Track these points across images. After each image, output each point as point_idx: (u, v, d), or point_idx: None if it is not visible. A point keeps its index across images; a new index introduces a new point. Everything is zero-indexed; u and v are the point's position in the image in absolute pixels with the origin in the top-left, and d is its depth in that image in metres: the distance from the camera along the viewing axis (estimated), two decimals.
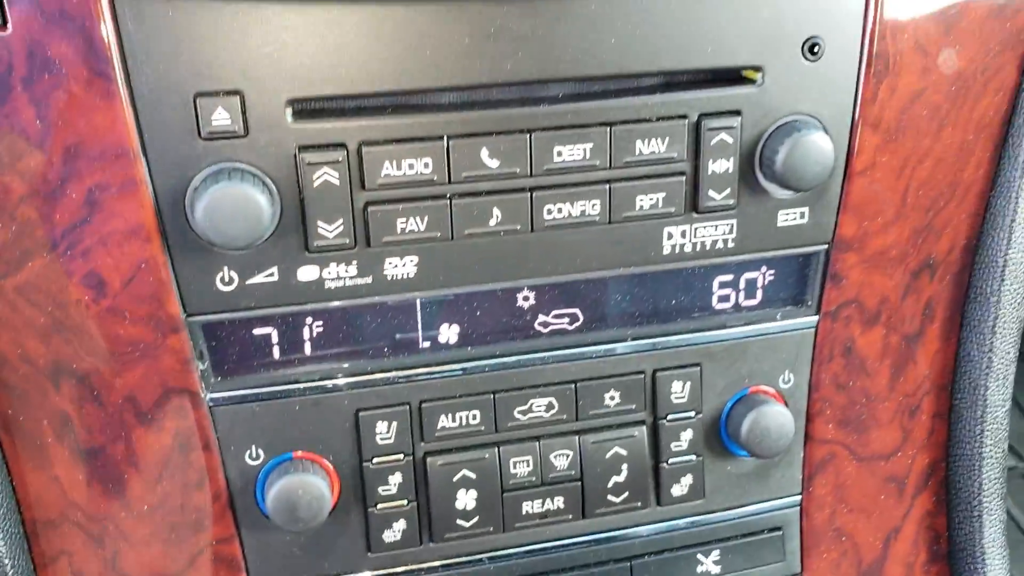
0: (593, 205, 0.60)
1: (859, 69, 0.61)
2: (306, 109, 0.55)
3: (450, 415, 0.63)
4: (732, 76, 0.61)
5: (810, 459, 0.71)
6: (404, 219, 0.57)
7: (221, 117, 0.53)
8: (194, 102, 0.53)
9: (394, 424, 0.62)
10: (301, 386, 0.60)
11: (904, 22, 0.61)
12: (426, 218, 0.58)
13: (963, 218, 0.68)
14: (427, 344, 0.62)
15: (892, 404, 0.71)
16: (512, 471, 0.64)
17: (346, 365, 0.61)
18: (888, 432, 0.72)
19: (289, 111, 0.54)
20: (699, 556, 0.70)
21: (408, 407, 0.62)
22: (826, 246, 0.65)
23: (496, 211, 0.59)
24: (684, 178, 0.61)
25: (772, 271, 0.66)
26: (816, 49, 0.60)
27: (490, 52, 0.56)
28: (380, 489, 0.63)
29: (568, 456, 0.65)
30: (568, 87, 0.59)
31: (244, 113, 0.53)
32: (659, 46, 0.58)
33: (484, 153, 0.57)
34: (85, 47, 0.51)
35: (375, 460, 0.62)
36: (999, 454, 0.71)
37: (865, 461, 0.72)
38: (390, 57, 0.54)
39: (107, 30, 0.51)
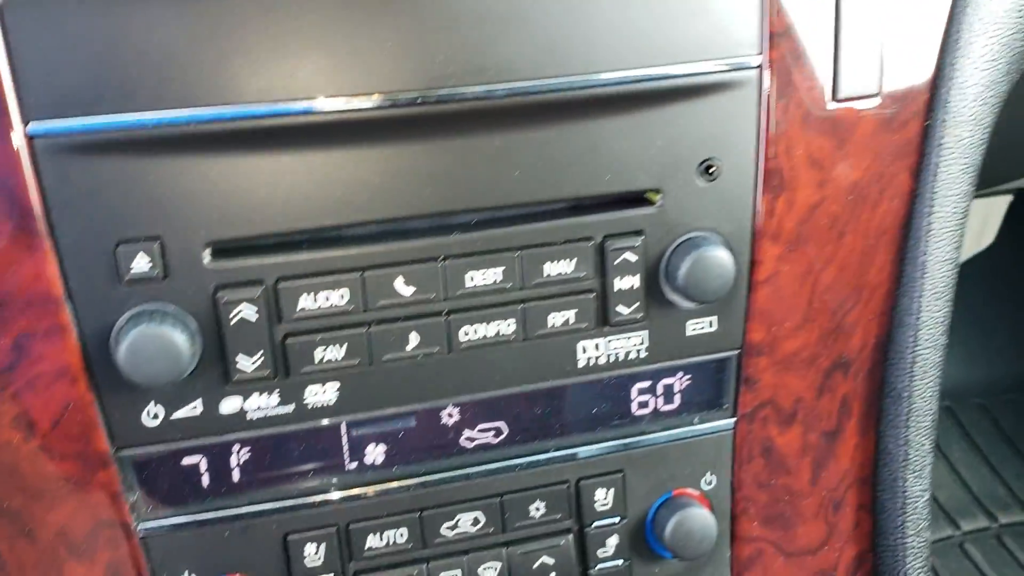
0: (508, 325, 0.63)
1: (755, 186, 0.65)
2: (223, 248, 0.59)
3: (378, 535, 0.65)
4: (633, 198, 0.64)
5: (738, 557, 0.73)
6: (323, 349, 0.60)
7: (142, 262, 0.56)
8: (115, 250, 0.56)
9: (323, 546, 0.64)
10: (230, 512, 0.63)
11: (796, 140, 0.65)
12: (344, 347, 0.61)
13: (871, 318, 0.72)
14: (353, 466, 0.64)
15: (815, 499, 0.74)
16: None
17: (274, 490, 0.64)
18: (814, 527, 0.75)
19: (207, 252, 0.58)
20: None
21: (336, 528, 0.65)
22: (737, 351, 0.69)
23: (413, 336, 0.62)
24: (593, 295, 0.64)
25: (688, 376, 0.69)
26: (712, 170, 0.64)
27: (400, 188, 0.59)
28: None
29: (496, 568, 0.67)
30: (478, 215, 0.62)
31: (164, 257, 0.57)
32: (563, 175, 0.62)
33: (399, 282, 0.61)
34: (9, 205, 0.54)
35: None
36: (921, 543, 0.74)
37: (793, 556, 0.75)
38: (303, 197, 0.58)
39: (31, 187, 0.54)
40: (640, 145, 0.62)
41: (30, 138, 0.54)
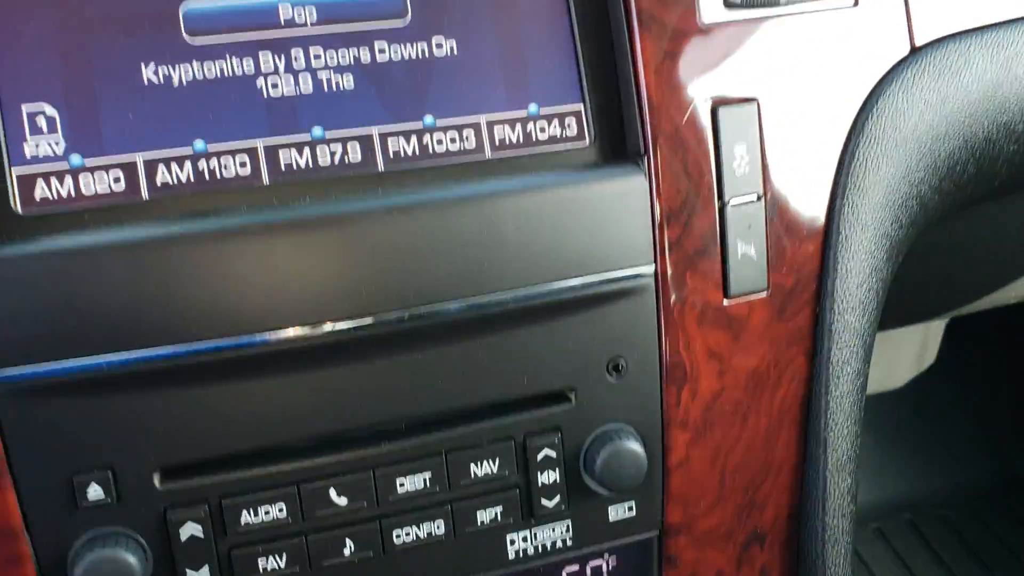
0: (437, 525, 0.69)
1: (660, 380, 0.72)
2: (171, 470, 0.65)
3: None
4: (550, 397, 0.71)
5: None
6: (265, 559, 0.66)
7: (95, 492, 0.62)
8: (71, 481, 0.62)
9: None
10: None
11: (694, 336, 0.73)
12: (285, 555, 0.66)
13: (782, 492, 0.79)
14: None
15: None
16: None
17: None
18: None
19: (156, 476, 0.64)
20: None
21: None
22: (657, 532, 0.75)
23: (349, 542, 0.68)
24: (518, 491, 0.71)
25: (614, 557, 0.75)
26: (620, 367, 0.72)
27: (334, 406, 0.66)
28: None
29: None
30: (406, 425, 0.69)
31: (116, 484, 0.63)
32: (484, 382, 0.69)
33: (333, 493, 0.67)
34: None
35: None
36: None
37: None
38: (244, 420, 0.65)
39: None
40: (554, 349, 0.70)
41: None
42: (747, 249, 0.73)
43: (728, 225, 0.73)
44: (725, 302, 0.73)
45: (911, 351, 1.71)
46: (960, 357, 1.73)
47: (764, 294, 0.75)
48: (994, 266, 1.28)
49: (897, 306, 1.12)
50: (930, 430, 1.74)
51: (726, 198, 0.72)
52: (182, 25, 0.65)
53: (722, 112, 0.72)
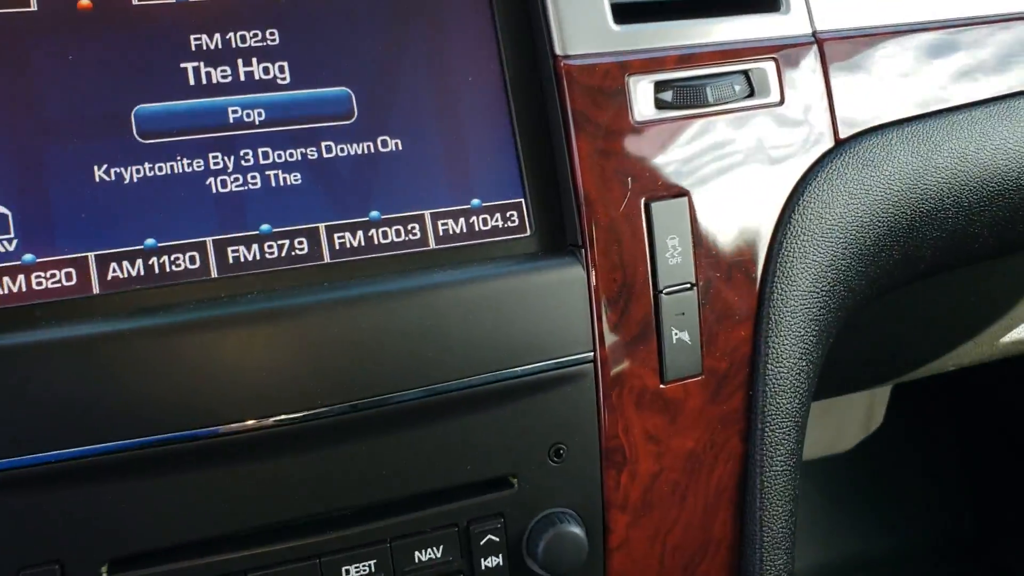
0: None
1: (600, 463, 0.76)
2: (119, 563, 0.66)
3: None
4: (493, 483, 0.74)
5: None
6: None
7: None
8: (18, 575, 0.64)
9: None
10: None
11: (633, 420, 0.76)
12: None
13: (720, 570, 0.82)
14: None
15: None
16: None
17: None
18: None
19: (105, 568, 0.66)
20: None
21: None
22: None
23: None
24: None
25: None
26: (561, 452, 0.75)
27: (280, 497, 0.68)
28: None
29: None
30: (351, 513, 0.71)
31: None
32: (428, 469, 0.72)
33: None
34: None
35: None
36: None
37: None
38: (189, 513, 0.67)
39: None
40: (497, 436, 0.73)
41: None
42: (682, 335, 0.77)
43: (663, 312, 0.77)
44: (662, 386, 0.77)
45: (858, 415, 1.76)
46: (906, 419, 1.78)
47: (699, 378, 0.78)
48: (931, 337, 1.34)
49: (841, 375, 1.17)
50: (880, 491, 1.79)
51: (660, 287, 0.76)
52: (134, 127, 0.68)
53: (655, 206, 0.76)
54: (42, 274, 0.66)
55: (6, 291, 0.65)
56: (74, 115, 0.67)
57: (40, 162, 0.66)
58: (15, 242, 0.66)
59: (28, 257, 0.66)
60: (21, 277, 0.65)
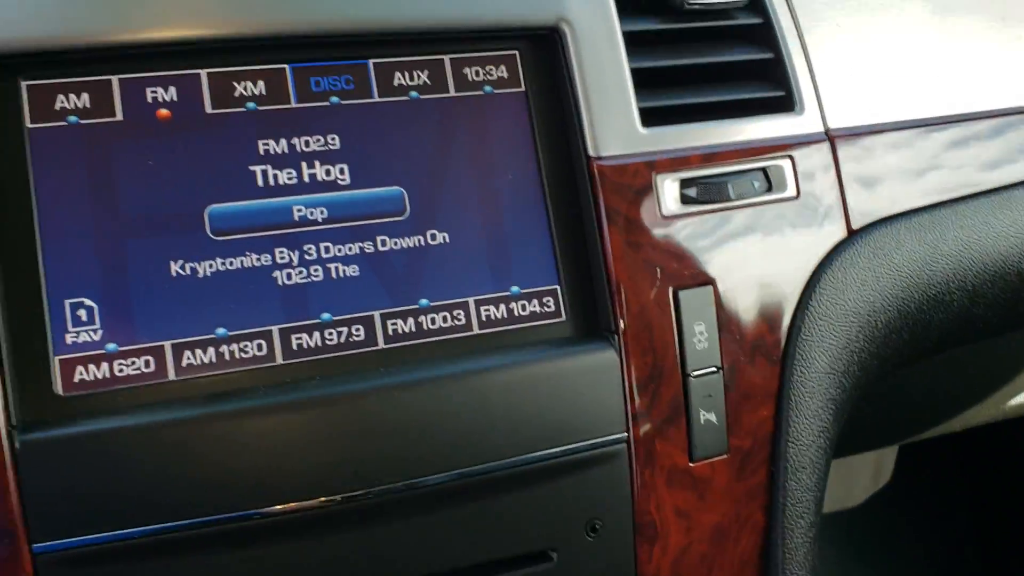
0: None
1: (633, 538, 0.81)
2: None
3: None
4: (533, 557, 0.79)
5: None
6: None
7: None
8: None
9: None
10: None
11: (664, 497, 0.82)
12: None
13: None
14: None
15: None
16: None
17: None
18: None
19: None
20: None
21: None
22: None
23: None
24: None
25: None
26: (596, 527, 0.80)
27: (326, 572, 0.74)
28: None
29: None
30: None
31: None
32: (471, 545, 0.77)
33: None
34: None
35: None
36: None
37: None
38: None
39: None
40: (537, 513, 0.78)
41: (34, 555, 0.67)
42: (709, 416, 0.83)
43: (691, 395, 0.83)
44: (691, 464, 0.83)
45: (866, 472, 1.81)
46: (915, 475, 1.82)
47: (725, 456, 0.84)
48: (938, 402, 1.39)
49: (849, 438, 1.22)
50: (888, 548, 1.83)
51: (688, 370, 0.82)
52: (207, 225, 0.75)
53: (682, 295, 0.82)
54: (123, 361, 0.72)
55: (91, 378, 0.71)
56: (154, 214, 0.74)
57: (123, 258, 0.73)
58: (100, 332, 0.72)
59: (111, 346, 0.72)
60: (105, 365, 0.72)
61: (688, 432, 0.82)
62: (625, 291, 0.80)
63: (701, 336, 0.83)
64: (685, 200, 0.84)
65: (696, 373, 0.82)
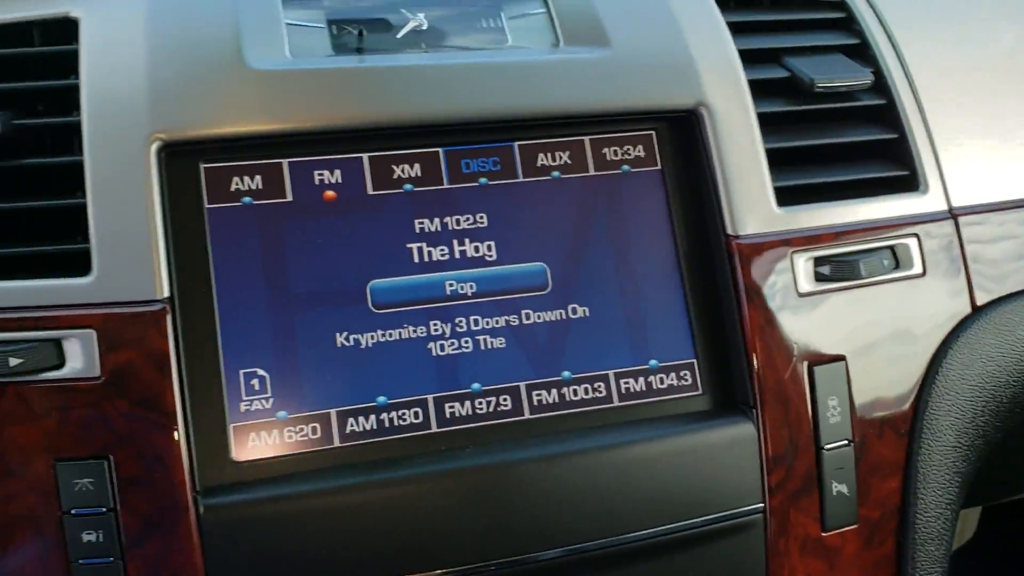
0: None
1: None
2: None
3: None
4: None
5: None
6: None
7: None
8: None
9: None
10: None
11: (797, 565, 0.84)
12: None
13: None
14: None
15: None
16: None
17: None
18: None
19: None
20: None
21: None
22: None
23: None
24: None
25: None
26: None
27: None
28: None
29: None
30: None
31: None
32: None
33: None
34: None
35: None
36: None
37: None
38: None
39: None
40: None
41: None
42: (840, 487, 0.86)
43: (824, 467, 0.85)
44: (823, 534, 0.85)
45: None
46: (997, 536, 1.81)
47: (855, 527, 0.86)
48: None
49: None
50: None
51: (822, 443, 0.85)
52: (369, 299, 0.79)
53: (817, 370, 0.85)
54: (292, 428, 0.76)
55: (263, 443, 0.76)
56: (321, 289, 0.79)
57: (293, 329, 0.78)
58: (271, 400, 0.76)
59: (281, 414, 0.76)
60: (275, 431, 0.76)
61: (821, 503, 0.85)
62: (762, 366, 0.83)
63: (834, 410, 0.85)
64: (819, 278, 0.87)
65: (829, 446, 0.85)
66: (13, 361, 0.71)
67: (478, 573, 0.76)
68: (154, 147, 0.75)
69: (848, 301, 0.88)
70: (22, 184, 0.77)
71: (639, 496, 0.79)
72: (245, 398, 0.76)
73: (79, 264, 0.74)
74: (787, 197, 0.88)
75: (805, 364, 0.85)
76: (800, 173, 0.90)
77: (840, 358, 0.86)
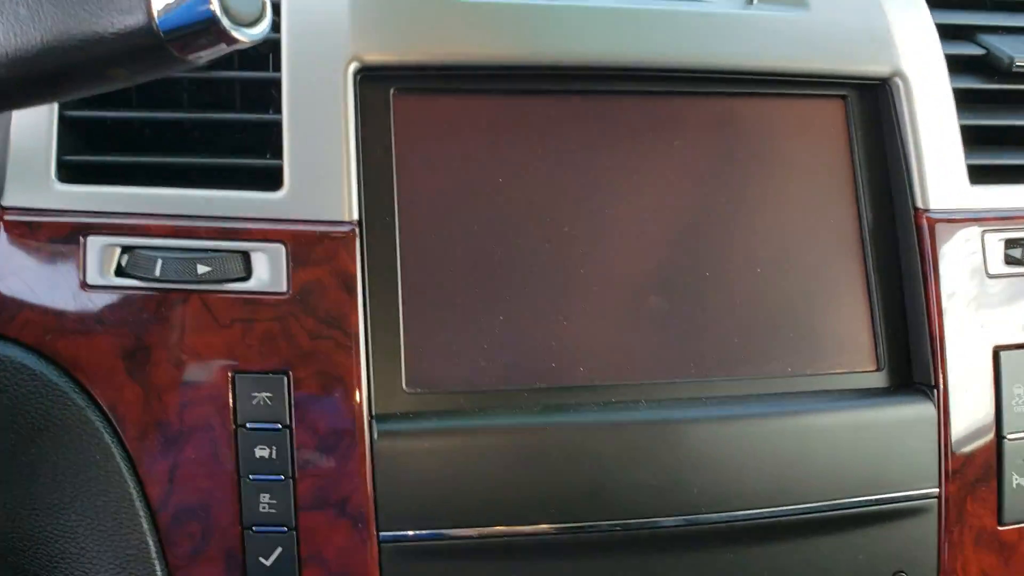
0: None
1: None
2: None
3: None
4: None
5: None
6: None
7: None
8: None
9: None
10: None
11: (970, 558, 0.81)
12: None
13: None
14: None
15: None
16: None
17: None
18: None
19: None
20: None
21: None
22: None
23: None
24: None
25: None
26: None
27: None
28: None
29: None
30: None
31: None
32: None
33: None
34: None
35: None
36: None
37: None
38: None
39: None
40: (844, 558, 0.78)
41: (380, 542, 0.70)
42: (1021, 481, 0.82)
43: (1005, 457, 0.81)
44: (999, 528, 0.81)
45: None
46: None
47: None
48: None
49: None
50: None
51: (1004, 432, 0.81)
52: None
53: (1003, 355, 0.81)
54: (466, 364, 0.75)
55: (437, 375, 0.75)
56: (504, 226, 0.77)
57: (474, 267, 0.76)
58: (448, 334, 0.75)
59: (456, 348, 0.75)
60: (450, 365, 0.75)
61: (999, 495, 0.81)
62: (947, 347, 0.80)
63: (1019, 399, 0.81)
64: (1009, 261, 0.83)
65: (1012, 436, 0.81)
66: (201, 268, 0.70)
67: (644, 529, 0.73)
68: (351, 68, 0.74)
69: None
70: (220, 98, 0.77)
71: (811, 468, 0.76)
72: (423, 329, 0.74)
73: (271, 181, 0.73)
74: (980, 176, 0.85)
75: (991, 348, 0.81)
76: (994, 153, 0.86)
77: None
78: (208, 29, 0.49)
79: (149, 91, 0.76)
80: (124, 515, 0.70)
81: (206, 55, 0.51)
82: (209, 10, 0.48)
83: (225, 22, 0.49)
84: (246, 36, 0.50)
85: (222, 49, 0.51)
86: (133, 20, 0.48)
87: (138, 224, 0.71)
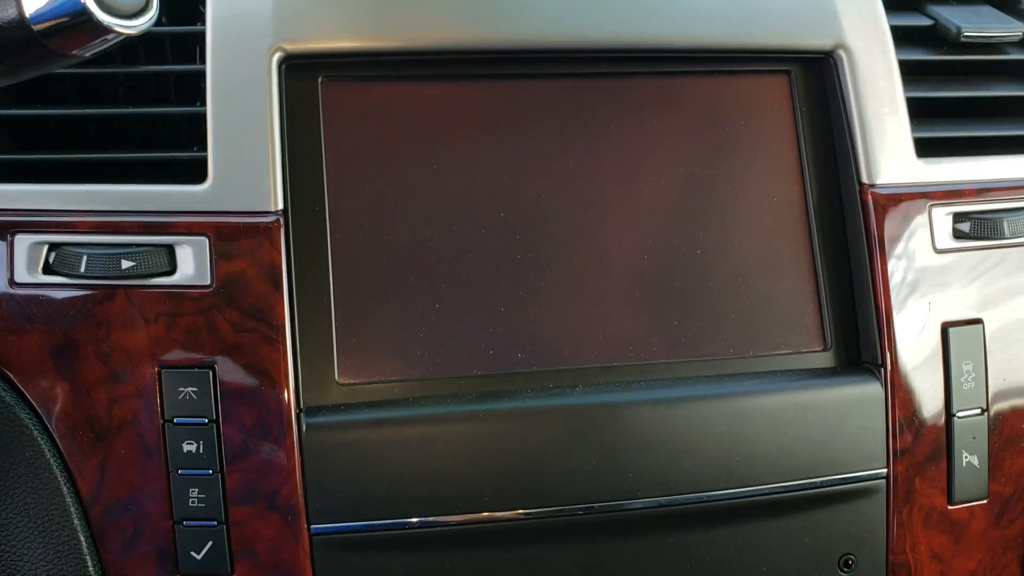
0: None
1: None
2: None
3: None
4: None
5: None
6: None
7: None
8: None
9: None
10: None
11: (919, 538, 0.79)
12: None
13: None
14: None
15: None
16: None
17: None
18: None
19: None
20: None
21: None
22: None
23: None
24: None
25: None
26: (850, 563, 0.78)
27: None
28: None
29: None
30: None
31: None
32: (722, 571, 0.76)
33: None
34: None
35: None
36: None
37: None
38: None
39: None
40: (791, 542, 0.77)
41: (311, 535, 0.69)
42: (971, 459, 0.80)
43: (955, 435, 0.80)
44: (949, 507, 0.80)
45: None
46: None
47: (984, 502, 0.81)
48: None
49: None
50: None
51: (953, 410, 0.79)
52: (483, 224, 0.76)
53: (952, 331, 0.80)
54: (399, 354, 0.74)
55: (368, 367, 0.74)
56: (435, 212, 0.76)
57: (404, 253, 0.75)
58: (379, 324, 0.74)
59: (389, 338, 0.74)
60: (382, 356, 0.74)
61: (949, 473, 0.80)
62: (894, 324, 0.78)
63: (968, 375, 0.80)
64: (957, 235, 0.82)
65: (961, 413, 0.80)
66: (125, 264, 0.69)
67: (577, 516, 0.72)
68: (275, 58, 0.73)
69: (988, 261, 0.82)
70: (143, 91, 0.76)
71: (755, 450, 0.75)
72: (356, 319, 0.74)
73: (195, 174, 0.72)
74: (927, 149, 0.83)
75: (939, 325, 0.80)
76: (941, 126, 0.85)
77: (977, 321, 0.81)
78: (81, 21, 0.48)
79: (87, 87, 0.75)
80: (55, 511, 0.70)
81: (91, 47, 0.50)
82: (79, 2, 0.48)
83: (99, 14, 0.48)
84: (125, 28, 0.50)
85: (107, 40, 0.50)
86: (4, 14, 0.48)
87: (65, 221, 0.71)
